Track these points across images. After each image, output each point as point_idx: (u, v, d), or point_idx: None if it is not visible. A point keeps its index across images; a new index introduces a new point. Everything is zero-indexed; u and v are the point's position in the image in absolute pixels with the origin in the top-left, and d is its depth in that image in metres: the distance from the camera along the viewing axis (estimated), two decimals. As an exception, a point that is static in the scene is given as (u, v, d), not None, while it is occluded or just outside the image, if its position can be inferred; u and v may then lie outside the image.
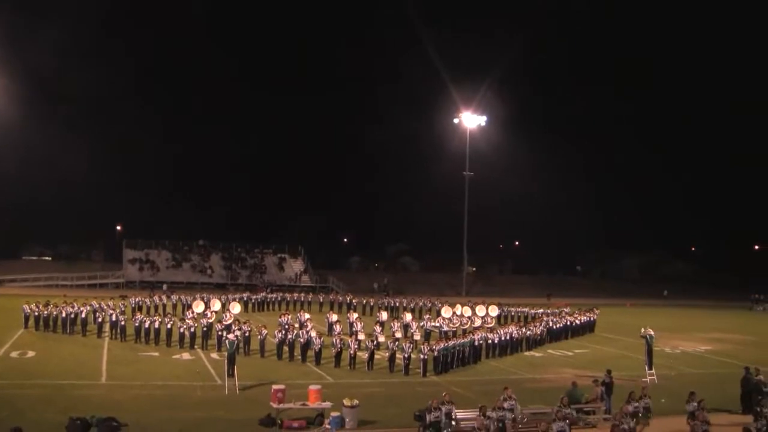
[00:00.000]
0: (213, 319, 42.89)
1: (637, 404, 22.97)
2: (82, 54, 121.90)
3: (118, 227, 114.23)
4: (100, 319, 43.14)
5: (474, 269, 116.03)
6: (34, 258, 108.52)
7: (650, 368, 34.28)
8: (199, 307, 48.02)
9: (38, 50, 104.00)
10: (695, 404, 22.88)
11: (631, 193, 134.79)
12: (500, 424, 21.29)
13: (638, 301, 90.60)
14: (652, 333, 35.17)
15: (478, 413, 21.44)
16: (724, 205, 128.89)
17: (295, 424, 24.02)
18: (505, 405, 22.55)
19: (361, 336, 38.84)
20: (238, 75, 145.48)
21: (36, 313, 44.10)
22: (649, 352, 34.73)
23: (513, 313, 57.58)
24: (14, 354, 35.69)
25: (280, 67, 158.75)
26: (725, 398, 28.38)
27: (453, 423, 22.57)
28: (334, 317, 45.53)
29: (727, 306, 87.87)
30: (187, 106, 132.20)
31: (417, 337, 41.28)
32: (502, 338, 40.66)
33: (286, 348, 36.86)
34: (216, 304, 50.12)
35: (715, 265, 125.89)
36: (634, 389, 24.81)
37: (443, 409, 22.34)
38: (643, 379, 32.75)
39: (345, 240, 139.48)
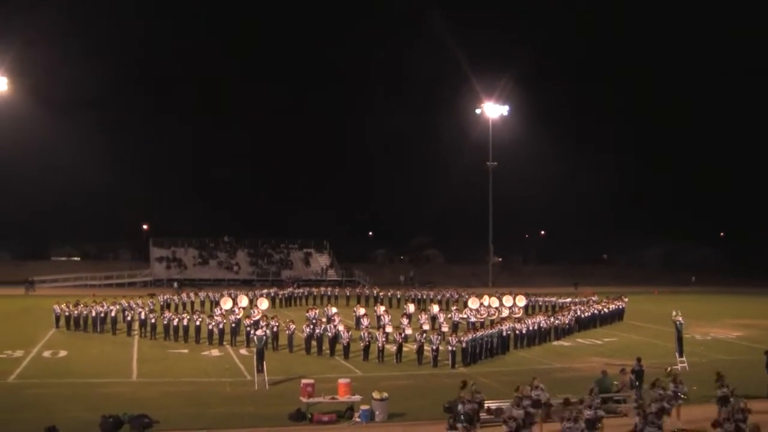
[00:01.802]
0: (241, 315, 43.10)
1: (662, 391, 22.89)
2: (105, 57, 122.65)
3: (145, 226, 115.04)
4: (129, 318, 43.42)
5: (499, 260, 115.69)
6: (63, 258, 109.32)
7: (681, 355, 34.12)
8: (227, 303, 48.27)
9: (64, 55, 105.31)
10: (726, 390, 22.79)
11: (656, 179, 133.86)
12: (526, 413, 21.21)
13: (665, 288, 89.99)
14: (681, 320, 35.00)
15: (510, 403, 21.38)
16: (752, 190, 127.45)
17: (325, 418, 24.10)
18: (532, 394, 22.54)
19: (389, 329, 38.86)
20: (259, 72, 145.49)
21: (66, 313, 44.47)
22: (680, 340, 34.58)
23: (540, 303, 57.33)
24: (47, 354, 36.05)
25: (301, 61, 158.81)
26: (760, 385, 28.15)
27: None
28: (362, 311, 45.64)
29: (757, 292, 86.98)
30: (212, 106, 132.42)
31: (445, 328, 41.36)
32: (530, 328, 40.58)
33: (314, 342, 36.99)
34: (243, 301, 50.42)
35: (743, 251, 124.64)
36: (659, 376, 24.71)
37: (477, 398, 22.35)
38: (674, 366, 32.55)
39: (370, 233, 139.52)
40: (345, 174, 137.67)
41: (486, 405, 23.49)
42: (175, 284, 76.77)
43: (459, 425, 20.15)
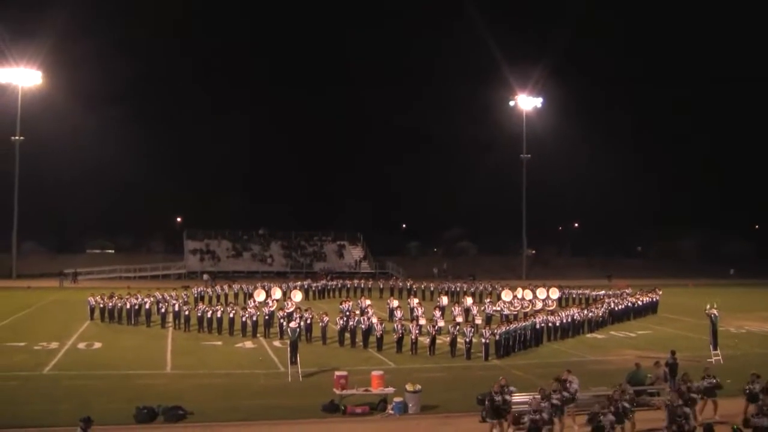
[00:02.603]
0: (275, 307, 43.29)
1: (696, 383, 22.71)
2: (138, 52, 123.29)
3: (178, 219, 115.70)
4: (163, 310, 43.68)
5: (533, 252, 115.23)
6: (98, 251, 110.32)
7: (715, 348, 33.74)
8: (260, 295, 48.56)
9: (99, 49, 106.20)
10: (755, 386, 22.55)
11: (690, 171, 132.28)
12: (554, 406, 21.06)
13: (700, 280, 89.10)
14: (716, 313, 34.65)
15: (536, 395, 21.29)
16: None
17: (359, 410, 24.15)
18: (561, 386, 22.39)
19: (422, 321, 38.82)
20: (291, 68, 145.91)
21: (101, 305, 44.85)
22: (714, 332, 34.19)
23: (574, 296, 56.98)
24: (81, 345, 36.41)
25: (330, 56, 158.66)
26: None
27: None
28: (395, 303, 45.65)
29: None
30: (244, 98, 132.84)
31: (478, 321, 41.27)
32: (564, 321, 40.39)
33: (347, 334, 37.09)
34: (277, 293, 50.70)
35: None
36: (687, 371, 24.45)
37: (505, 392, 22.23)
38: (708, 360, 32.24)
39: (403, 226, 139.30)
40: (379, 166, 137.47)
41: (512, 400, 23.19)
42: (205, 276, 77.16)
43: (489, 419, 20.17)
